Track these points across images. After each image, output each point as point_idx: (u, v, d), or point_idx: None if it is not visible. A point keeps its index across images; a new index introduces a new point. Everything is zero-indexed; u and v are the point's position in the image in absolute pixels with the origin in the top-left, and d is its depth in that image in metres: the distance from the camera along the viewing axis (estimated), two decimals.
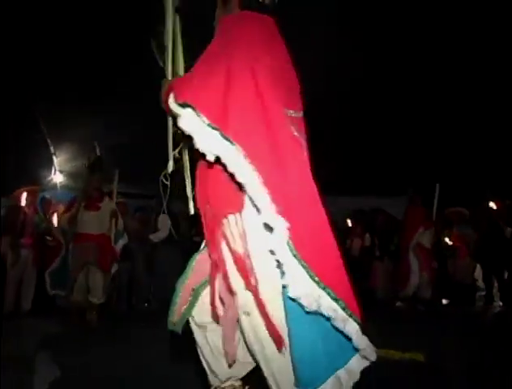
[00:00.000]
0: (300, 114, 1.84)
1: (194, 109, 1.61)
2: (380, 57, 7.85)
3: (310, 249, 1.65)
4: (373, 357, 1.75)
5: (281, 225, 1.58)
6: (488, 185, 8.88)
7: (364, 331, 1.71)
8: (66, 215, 6.08)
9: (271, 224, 1.58)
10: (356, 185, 10.83)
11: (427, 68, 7.98)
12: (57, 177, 9.51)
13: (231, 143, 1.59)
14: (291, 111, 1.77)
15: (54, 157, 9.32)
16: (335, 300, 1.64)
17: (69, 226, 5.96)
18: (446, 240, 8.89)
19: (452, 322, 6.19)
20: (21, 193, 7.07)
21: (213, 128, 1.60)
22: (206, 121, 1.60)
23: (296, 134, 1.76)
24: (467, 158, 9.15)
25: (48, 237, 7.17)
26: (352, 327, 1.68)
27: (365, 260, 8.99)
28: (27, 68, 7.43)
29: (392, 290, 8.53)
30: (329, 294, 1.63)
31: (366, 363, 1.76)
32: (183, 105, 1.65)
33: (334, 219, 7.19)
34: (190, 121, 1.63)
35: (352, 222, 9.61)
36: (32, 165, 8.99)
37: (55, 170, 9.47)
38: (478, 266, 8.74)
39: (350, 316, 1.67)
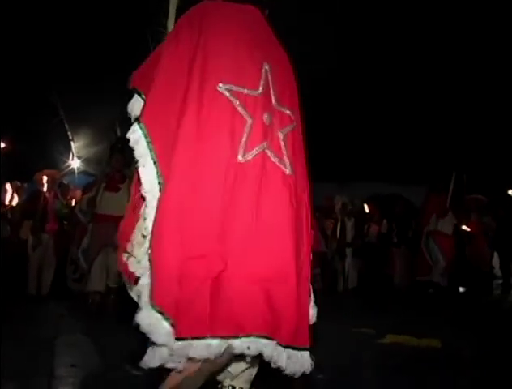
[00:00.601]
0: (257, 92, 1.77)
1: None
2: (396, 41, 7.83)
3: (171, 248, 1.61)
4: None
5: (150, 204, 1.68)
6: (507, 174, 8.86)
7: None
8: (86, 196, 6.02)
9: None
10: (375, 171, 10.86)
11: (446, 54, 7.94)
12: (75, 163, 9.65)
13: (138, 122, 1.73)
14: (238, 87, 1.74)
15: (72, 143, 9.45)
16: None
17: (88, 207, 5.86)
18: (464, 227, 8.92)
19: (469, 310, 6.26)
20: (41, 176, 7.17)
21: (142, 99, 1.80)
22: (142, 97, 1.80)
23: (240, 110, 1.73)
24: (487, 146, 9.12)
25: (65, 222, 7.32)
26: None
27: (383, 246, 9.06)
28: (46, 53, 7.54)
29: (410, 277, 8.62)
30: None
31: None
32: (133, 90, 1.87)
33: (352, 203, 7.21)
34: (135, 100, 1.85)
35: (369, 208, 9.66)
36: (51, 151, 9.14)
37: (73, 156, 9.60)
38: (496, 254, 8.77)
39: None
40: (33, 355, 3.28)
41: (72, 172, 9.44)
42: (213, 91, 1.72)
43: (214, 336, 1.53)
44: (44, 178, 7.14)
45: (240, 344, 1.54)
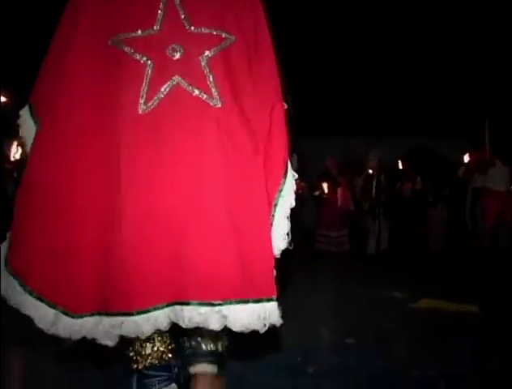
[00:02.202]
0: (154, 29, 1.65)
1: None
2: None
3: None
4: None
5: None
6: None
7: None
8: None
9: None
10: (409, 125, 10.75)
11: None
12: None
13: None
14: (129, 34, 1.65)
15: None
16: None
17: None
18: None
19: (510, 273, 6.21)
20: None
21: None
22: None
23: (136, 56, 1.63)
24: None
25: None
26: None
27: (417, 205, 9.02)
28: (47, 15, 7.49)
29: (446, 238, 8.59)
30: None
31: None
32: None
33: (384, 160, 7.16)
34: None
35: (402, 164, 9.58)
36: None
37: None
38: None
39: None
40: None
41: None
42: (105, 47, 1.67)
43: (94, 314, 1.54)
44: None
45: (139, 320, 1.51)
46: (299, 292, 4.79)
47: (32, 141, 1.68)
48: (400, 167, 9.54)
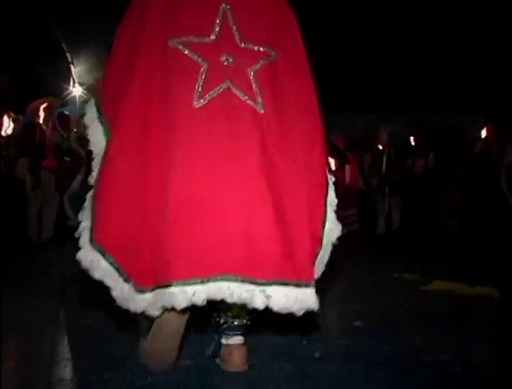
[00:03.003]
0: (211, 38, 2.00)
1: None
2: None
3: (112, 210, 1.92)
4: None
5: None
6: None
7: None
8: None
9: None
10: (422, 98, 10.67)
11: None
12: (76, 90, 9.56)
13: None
14: (189, 37, 1.98)
15: (72, 67, 9.34)
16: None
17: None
18: None
19: None
20: (37, 105, 7.08)
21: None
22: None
23: (194, 58, 1.98)
24: None
25: (66, 158, 7.35)
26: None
27: (429, 183, 8.98)
28: None
29: (459, 218, 8.57)
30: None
31: None
32: None
33: (397, 135, 7.13)
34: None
35: (415, 139, 9.51)
36: (48, 76, 9.03)
37: (74, 82, 9.50)
38: None
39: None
40: (38, 305, 3.36)
41: (73, 100, 9.36)
42: (164, 48, 1.99)
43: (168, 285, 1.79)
44: (41, 108, 7.05)
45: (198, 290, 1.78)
46: None
47: (97, 137, 2.02)
48: (412, 143, 9.47)
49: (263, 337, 2.58)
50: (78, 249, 1.89)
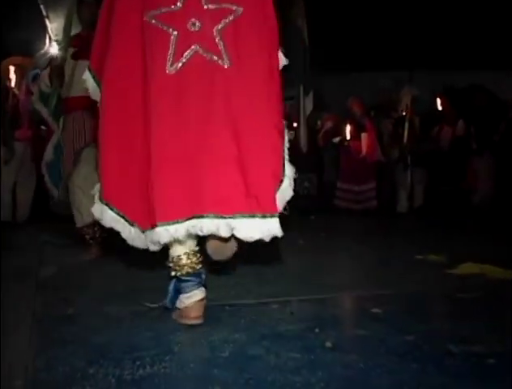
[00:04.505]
0: (177, 7, 2.49)
1: None
2: None
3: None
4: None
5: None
6: None
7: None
8: (45, 70, 5.00)
9: None
10: (449, 55, 10.57)
11: None
12: (53, 48, 9.47)
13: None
14: (157, 10, 2.48)
15: (48, 22, 9.26)
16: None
17: (53, 85, 4.77)
18: None
19: None
20: (7, 66, 7.04)
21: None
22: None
23: (164, 28, 2.48)
24: None
25: (43, 127, 7.29)
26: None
27: (458, 154, 8.95)
28: None
29: (494, 193, 8.56)
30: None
31: None
32: None
33: (419, 99, 7.12)
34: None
35: (442, 103, 9.43)
36: (19, 33, 8.97)
37: (50, 39, 9.42)
38: None
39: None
40: (11, 293, 3.38)
41: (49, 59, 9.29)
42: (140, 23, 2.51)
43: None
44: (11, 69, 7.00)
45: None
46: (316, 256, 4.81)
47: (97, 98, 2.67)
48: (439, 107, 9.39)
49: (271, 324, 2.63)
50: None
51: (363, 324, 2.66)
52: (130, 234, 2.53)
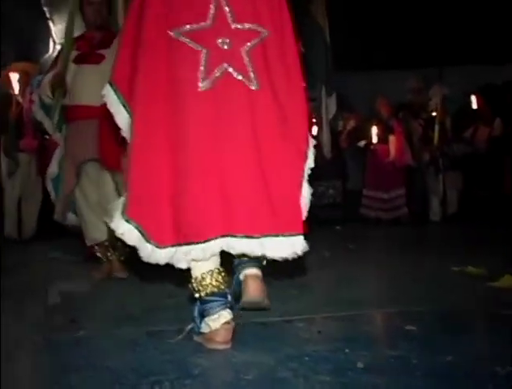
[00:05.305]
0: (207, 24, 2.59)
1: None
2: None
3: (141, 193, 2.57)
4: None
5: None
6: None
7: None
8: (47, 75, 4.88)
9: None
10: (484, 50, 10.52)
11: None
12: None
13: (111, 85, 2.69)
14: (187, 26, 2.57)
15: (52, 25, 9.34)
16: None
17: (54, 93, 4.68)
18: None
19: None
20: (10, 73, 7.08)
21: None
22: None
23: (193, 46, 2.57)
24: None
25: (47, 137, 7.32)
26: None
27: (496, 156, 8.89)
28: None
29: None
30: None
31: None
32: None
33: (451, 98, 7.08)
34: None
35: (477, 102, 9.36)
36: (22, 35, 9.04)
37: (54, 43, 9.51)
38: None
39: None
40: (22, 309, 3.39)
41: (50, 65, 9.37)
42: (168, 40, 2.59)
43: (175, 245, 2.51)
44: (15, 76, 7.04)
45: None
46: (343, 269, 4.80)
47: (120, 116, 2.67)
48: (474, 106, 9.33)
49: (297, 344, 2.61)
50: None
51: (397, 343, 2.64)
52: (147, 250, 2.54)
